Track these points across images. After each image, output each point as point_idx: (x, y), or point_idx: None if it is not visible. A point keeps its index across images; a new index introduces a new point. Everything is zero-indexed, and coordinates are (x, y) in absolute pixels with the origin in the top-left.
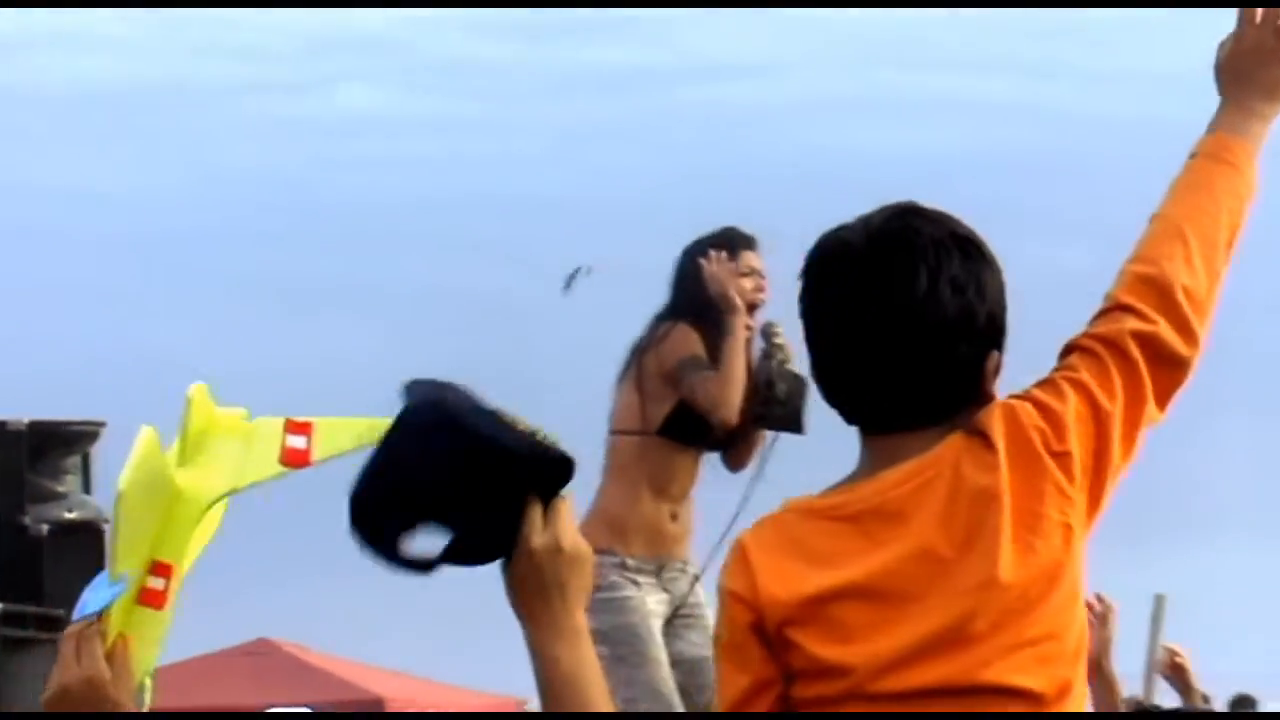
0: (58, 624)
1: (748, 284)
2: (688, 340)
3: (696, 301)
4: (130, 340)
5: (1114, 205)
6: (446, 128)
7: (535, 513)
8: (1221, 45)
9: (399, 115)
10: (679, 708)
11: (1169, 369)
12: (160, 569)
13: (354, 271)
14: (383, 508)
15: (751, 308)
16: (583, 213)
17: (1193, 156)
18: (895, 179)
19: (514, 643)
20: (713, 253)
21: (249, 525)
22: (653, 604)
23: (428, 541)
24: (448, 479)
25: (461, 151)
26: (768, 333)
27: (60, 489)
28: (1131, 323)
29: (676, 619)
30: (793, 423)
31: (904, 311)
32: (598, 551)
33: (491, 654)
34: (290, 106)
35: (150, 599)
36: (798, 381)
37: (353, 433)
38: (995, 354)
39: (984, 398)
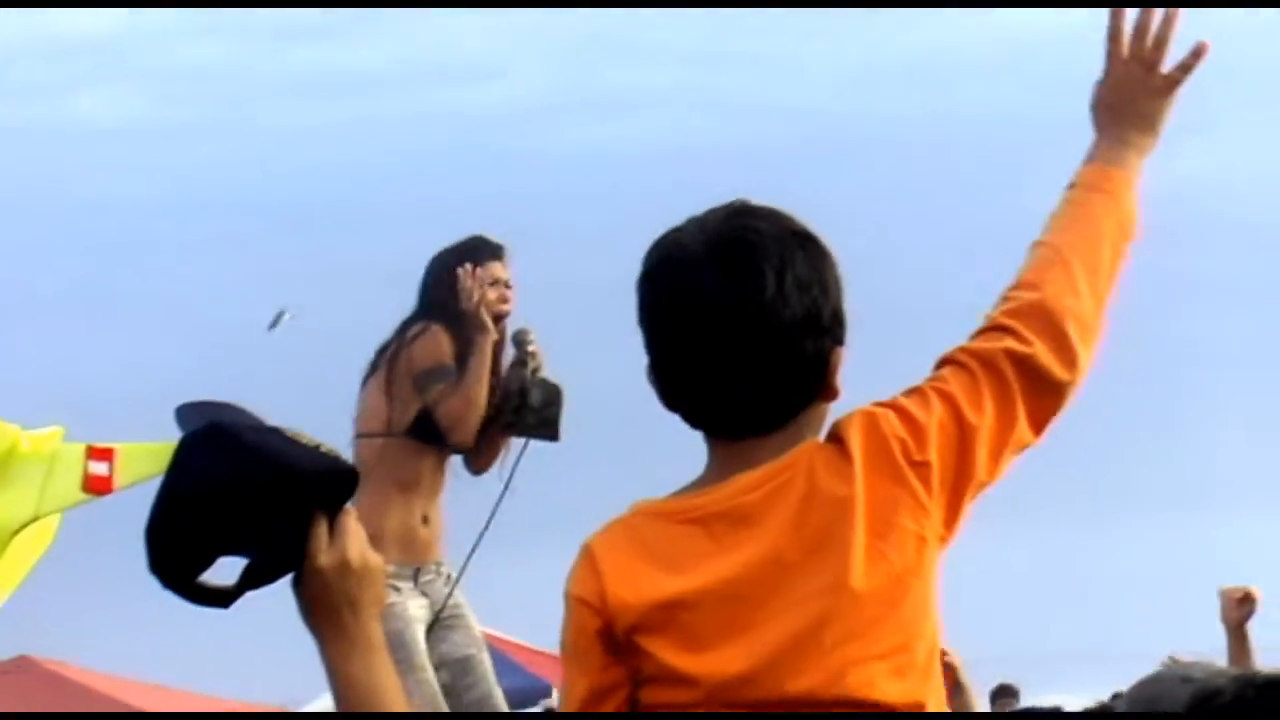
0: None
1: (493, 294)
2: (438, 345)
3: (448, 309)
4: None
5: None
6: (170, 133)
7: (321, 529)
8: (1097, 83)
9: (136, 122)
10: (445, 709)
11: (1044, 392)
12: None
13: (92, 275)
14: (175, 543)
15: (498, 319)
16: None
17: (1071, 187)
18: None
19: (281, 649)
20: (468, 267)
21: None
22: (414, 609)
23: (224, 569)
24: (235, 502)
25: (185, 155)
26: (520, 340)
27: None
28: (1008, 342)
29: (438, 623)
30: (547, 430)
31: (753, 314)
32: None
33: (255, 661)
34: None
35: None
36: (552, 389)
37: (155, 457)
38: (839, 349)
39: (830, 393)
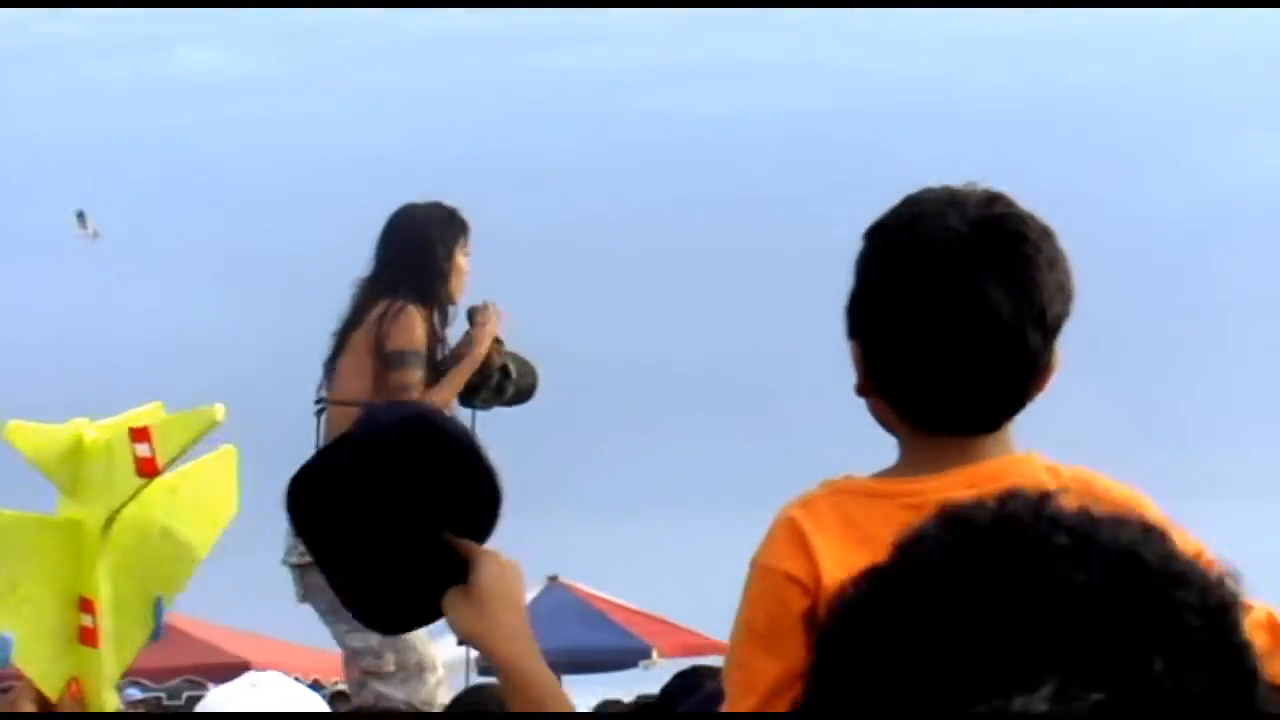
0: None
1: (495, 322)
2: (414, 329)
3: (420, 284)
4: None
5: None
6: (267, 89)
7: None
8: None
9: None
10: None
11: None
12: (86, 605)
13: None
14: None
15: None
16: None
17: None
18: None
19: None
20: (494, 307)
21: None
22: None
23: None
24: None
25: (278, 111)
26: (474, 317)
27: None
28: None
29: None
30: (524, 398)
31: (1024, 318)
32: None
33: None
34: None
35: (86, 638)
36: (522, 361)
37: (186, 427)
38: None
39: (1039, 391)
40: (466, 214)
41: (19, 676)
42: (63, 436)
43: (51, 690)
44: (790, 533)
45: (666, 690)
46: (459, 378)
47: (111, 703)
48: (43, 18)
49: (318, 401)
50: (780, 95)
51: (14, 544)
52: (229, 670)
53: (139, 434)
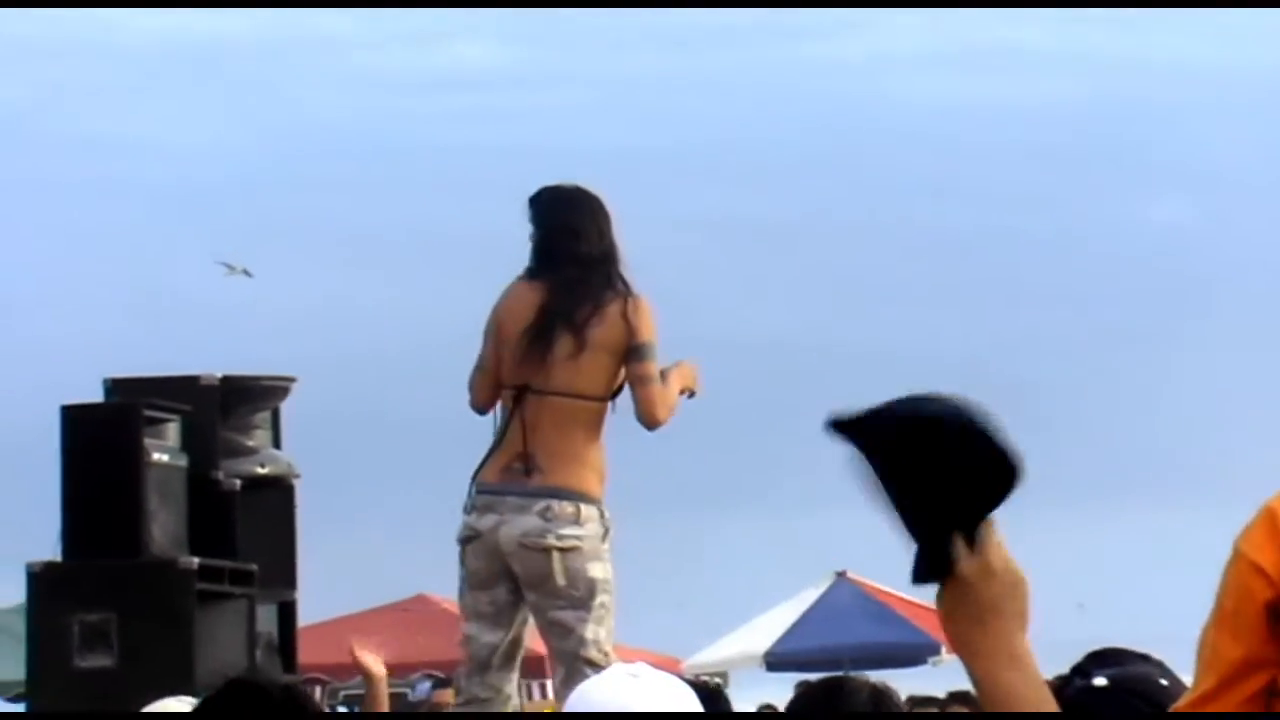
0: (249, 578)
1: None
2: (654, 320)
3: (624, 273)
4: (320, 297)
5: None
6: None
7: (986, 533)
8: None
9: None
10: None
11: None
12: None
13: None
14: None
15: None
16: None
17: None
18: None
19: (671, 601)
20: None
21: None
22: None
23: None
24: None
25: (544, 103)
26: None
27: (251, 444)
28: None
29: None
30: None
31: None
32: (595, 501)
33: (650, 612)
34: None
35: None
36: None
37: None
38: None
39: None
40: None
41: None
42: None
43: None
44: (1268, 524)
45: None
46: (671, 387)
47: None
48: (320, 13)
49: (519, 388)
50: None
51: None
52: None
53: None
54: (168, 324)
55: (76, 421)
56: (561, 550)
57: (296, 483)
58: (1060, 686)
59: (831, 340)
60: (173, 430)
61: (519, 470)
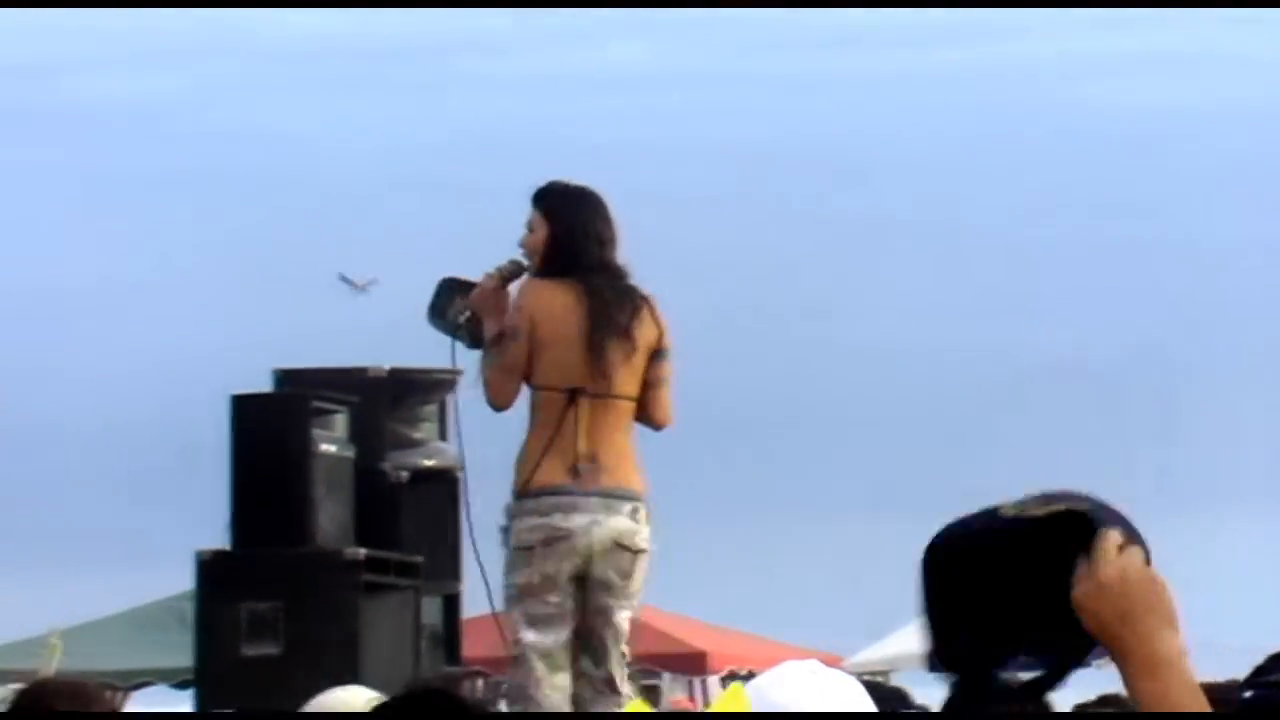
0: (414, 570)
1: None
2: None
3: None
4: None
5: None
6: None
7: (1107, 542)
8: None
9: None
10: None
11: None
12: None
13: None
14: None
15: None
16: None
17: None
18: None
19: (835, 598)
20: None
21: None
22: None
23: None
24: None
25: (694, 102)
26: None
27: (418, 436)
28: None
29: None
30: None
31: None
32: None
33: (814, 609)
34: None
35: None
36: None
37: None
38: None
39: None
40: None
41: None
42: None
43: None
44: None
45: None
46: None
47: None
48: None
49: (572, 391)
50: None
51: None
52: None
53: None
54: (337, 316)
55: (246, 412)
56: (645, 554)
57: (462, 475)
58: (1238, 687)
59: (1020, 346)
60: (341, 421)
61: (588, 471)
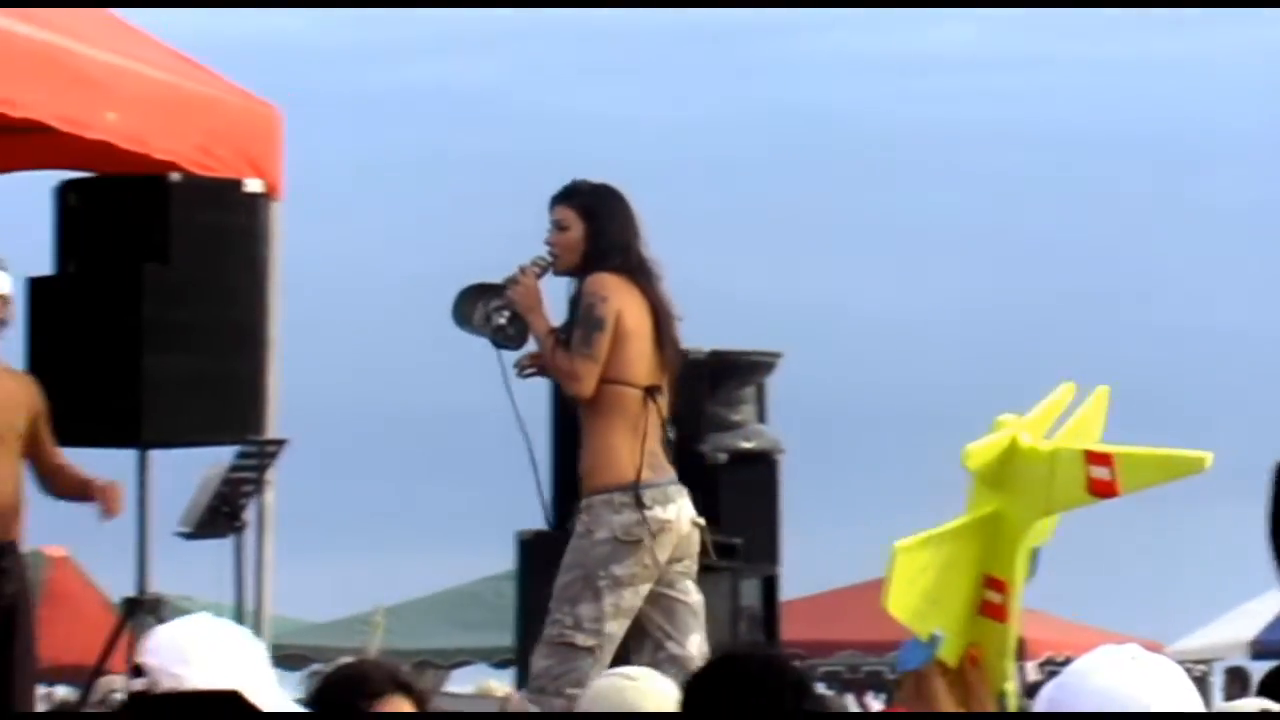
0: (733, 552)
1: None
2: None
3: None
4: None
5: None
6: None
7: None
8: None
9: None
10: None
11: None
12: (994, 584)
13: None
14: None
15: None
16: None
17: None
18: None
19: (1157, 583)
20: None
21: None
22: None
23: None
24: None
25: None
26: None
27: (736, 418)
28: None
29: None
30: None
31: None
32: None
33: (1135, 597)
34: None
35: (991, 612)
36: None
37: (1159, 467)
38: None
39: None
40: None
41: None
42: (1030, 449)
43: (952, 655)
44: None
45: None
46: None
47: (1008, 671)
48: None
49: (649, 389)
50: None
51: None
52: None
53: (1098, 458)
54: None
55: (563, 398)
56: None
57: (781, 458)
58: None
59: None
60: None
61: (662, 460)
